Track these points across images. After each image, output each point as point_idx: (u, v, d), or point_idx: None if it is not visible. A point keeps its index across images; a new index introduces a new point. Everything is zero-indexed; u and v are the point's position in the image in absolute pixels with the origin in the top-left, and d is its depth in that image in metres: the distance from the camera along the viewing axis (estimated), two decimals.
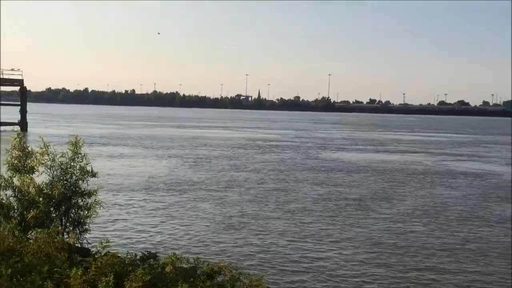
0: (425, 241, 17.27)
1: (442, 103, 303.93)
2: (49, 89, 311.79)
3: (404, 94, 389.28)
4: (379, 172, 35.00)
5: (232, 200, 23.24)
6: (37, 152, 11.19)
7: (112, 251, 10.01)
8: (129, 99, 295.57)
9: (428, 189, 28.34)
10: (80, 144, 11.42)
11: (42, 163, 11.27)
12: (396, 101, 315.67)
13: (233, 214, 20.42)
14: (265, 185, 27.96)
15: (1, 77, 67.14)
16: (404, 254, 15.63)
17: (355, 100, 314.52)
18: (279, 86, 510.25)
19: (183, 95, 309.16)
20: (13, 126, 59.95)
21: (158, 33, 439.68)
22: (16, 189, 10.80)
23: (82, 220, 11.14)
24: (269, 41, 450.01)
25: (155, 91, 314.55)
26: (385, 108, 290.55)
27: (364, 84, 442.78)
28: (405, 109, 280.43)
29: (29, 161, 11.10)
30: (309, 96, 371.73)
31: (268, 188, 26.99)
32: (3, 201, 10.76)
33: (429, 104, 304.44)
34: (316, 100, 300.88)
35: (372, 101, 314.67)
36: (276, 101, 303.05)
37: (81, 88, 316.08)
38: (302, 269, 13.96)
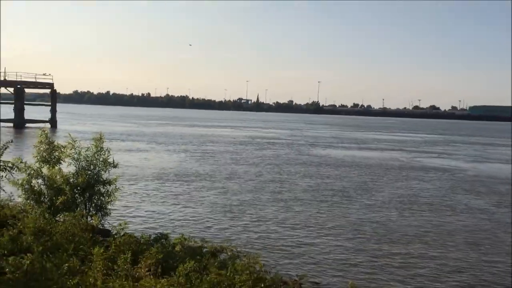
0: (400, 227, 17.31)
1: (416, 107, 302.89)
2: (76, 92, 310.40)
3: (383, 99, 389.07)
4: (361, 166, 35.02)
5: (233, 190, 23.24)
6: (63, 146, 11.19)
7: (129, 232, 10.04)
8: (145, 101, 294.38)
9: (403, 182, 28.37)
10: (103, 140, 11.46)
11: (69, 156, 11.29)
12: (376, 105, 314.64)
13: (234, 202, 20.43)
14: (262, 177, 27.96)
15: (35, 80, 67.16)
16: (381, 239, 15.67)
17: (341, 104, 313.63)
18: (275, 91, 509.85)
19: (192, 98, 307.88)
20: (44, 124, 59.85)
21: (190, 45, 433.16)
22: (46, 178, 10.82)
23: (103, 205, 11.18)
24: (266, 52, 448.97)
25: (167, 95, 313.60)
26: (367, 111, 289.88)
27: (349, 90, 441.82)
28: (384, 113, 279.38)
29: (56, 154, 11.11)
30: (301, 100, 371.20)
31: (265, 179, 27.00)
32: (35, 188, 10.78)
33: (405, 108, 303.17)
34: (307, 104, 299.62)
35: (355, 105, 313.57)
36: (273, 104, 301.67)
37: (104, 91, 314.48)
38: (293, 251, 13.99)
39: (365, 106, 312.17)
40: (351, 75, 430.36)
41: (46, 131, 11.54)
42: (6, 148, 7.32)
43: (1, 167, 7.06)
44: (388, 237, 15.84)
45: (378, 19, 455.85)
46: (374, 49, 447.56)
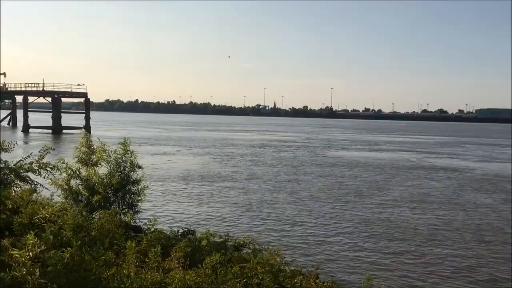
0: (411, 224, 17.12)
1: (424, 111, 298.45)
2: (107, 100, 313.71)
3: (393, 103, 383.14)
4: (373, 167, 34.73)
5: (253, 189, 23.28)
6: (101, 150, 11.33)
7: (158, 228, 10.14)
8: (171, 108, 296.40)
9: (414, 181, 28.04)
10: (128, 143, 11.57)
11: (103, 159, 11.43)
12: (386, 109, 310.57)
13: (254, 200, 20.46)
14: (280, 177, 27.94)
15: (70, 90, 68.36)
16: (394, 236, 15.51)
17: (353, 109, 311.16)
18: (290, 98, 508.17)
19: (214, 105, 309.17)
20: (79, 130, 60.87)
21: (229, 56, 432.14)
22: (83, 179, 10.98)
23: (135, 203, 11.28)
24: (282, 61, 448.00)
25: (191, 102, 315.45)
26: (378, 115, 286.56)
27: (360, 96, 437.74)
28: (394, 116, 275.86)
29: (94, 157, 11.27)
30: (315, 105, 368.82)
31: (282, 179, 26.97)
32: (73, 188, 10.95)
33: (413, 112, 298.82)
34: (321, 109, 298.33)
35: (366, 109, 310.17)
36: (289, 110, 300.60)
37: (133, 99, 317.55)
38: (309, 247, 13.96)
39: (376, 110, 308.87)
40: (362, 81, 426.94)
41: (87, 135, 11.71)
42: (47, 152, 7.46)
43: (43, 167, 7.20)
44: (400, 234, 15.67)
45: (387, 26, 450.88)
46: (383, 56, 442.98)
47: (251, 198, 20.96)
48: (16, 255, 4.82)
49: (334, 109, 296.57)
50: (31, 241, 4.98)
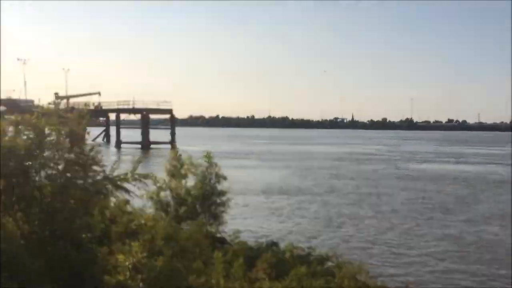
0: (504, 242, 15.86)
1: None
2: (190, 116, 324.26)
3: (478, 114, 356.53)
4: (459, 180, 32.73)
5: (333, 203, 22.89)
6: (191, 164, 11.82)
7: (242, 240, 10.29)
8: (250, 122, 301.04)
9: (504, 195, 25.97)
10: (212, 156, 11.94)
11: (190, 171, 11.88)
12: (471, 120, 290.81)
13: (333, 214, 20.11)
14: (360, 190, 27.24)
15: (158, 107, 72.10)
16: (484, 255, 14.47)
17: (435, 120, 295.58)
18: (369, 110, 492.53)
19: (292, 118, 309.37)
20: (166, 145, 64.05)
21: (325, 71, 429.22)
22: (172, 190, 11.49)
23: (219, 215, 11.57)
24: (359, 75, 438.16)
25: (269, 116, 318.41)
26: (462, 126, 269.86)
27: (442, 106, 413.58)
28: (480, 127, 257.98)
29: (182, 170, 11.77)
30: (394, 117, 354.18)
31: (363, 193, 26.27)
32: (163, 200, 11.49)
33: (502, 122, 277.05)
34: (400, 121, 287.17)
35: (449, 120, 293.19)
36: (367, 122, 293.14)
37: (214, 114, 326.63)
38: (394, 262, 13.43)
39: (460, 121, 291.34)
40: (445, 91, 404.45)
41: (177, 150, 12.31)
42: (140, 163, 7.92)
43: (137, 178, 7.67)
44: (492, 254, 14.54)
45: (470, 31, 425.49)
46: (467, 63, 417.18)
47: (331, 212, 20.63)
48: (121, 259, 5.14)
49: (414, 121, 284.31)
50: (136, 249, 5.27)
